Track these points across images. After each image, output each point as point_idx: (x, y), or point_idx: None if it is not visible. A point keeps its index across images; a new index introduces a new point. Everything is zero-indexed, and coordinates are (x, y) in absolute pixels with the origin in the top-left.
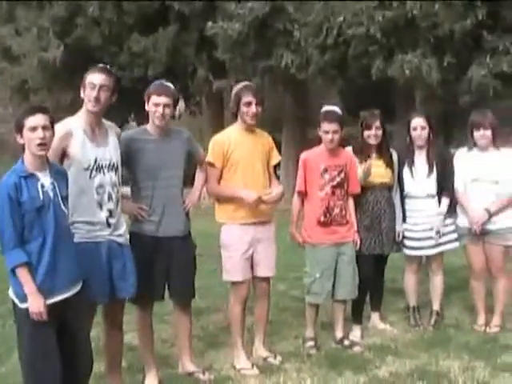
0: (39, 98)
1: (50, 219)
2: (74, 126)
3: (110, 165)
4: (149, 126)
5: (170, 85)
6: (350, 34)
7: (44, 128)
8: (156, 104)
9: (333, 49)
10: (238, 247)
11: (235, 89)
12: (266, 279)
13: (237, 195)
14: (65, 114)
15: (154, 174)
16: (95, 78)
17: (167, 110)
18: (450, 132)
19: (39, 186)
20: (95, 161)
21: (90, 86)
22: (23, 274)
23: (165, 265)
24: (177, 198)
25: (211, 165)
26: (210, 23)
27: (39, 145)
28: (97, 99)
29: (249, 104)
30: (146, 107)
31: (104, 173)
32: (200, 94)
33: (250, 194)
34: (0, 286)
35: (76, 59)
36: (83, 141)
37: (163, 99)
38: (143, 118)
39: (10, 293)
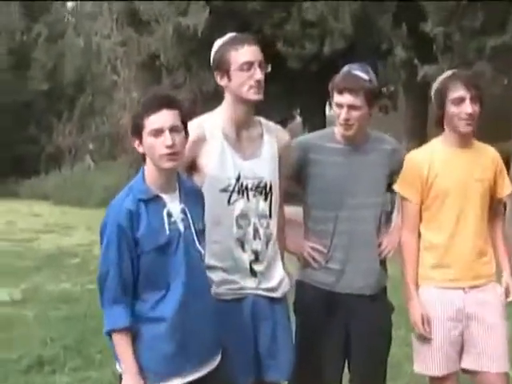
0: (173, 80)
1: (179, 263)
2: (210, 126)
3: (259, 186)
4: (336, 130)
5: (364, 75)
6: None
7: (173, 130)
8: (338, 104)
9: None
10: (437, 323)
11: (439, 79)
12: (493, 376)
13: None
14: (209, 105)
15: (337, 201)
16: (249, 52)
17: (355, 114)
18: None
19: (165, 215)
20: (238, 179)
21: (243, 67)
22: (121, 344)
23: (344, 335)
24: (369, 238)
25: (404, 198)
26: None
27: (168, 155)
28: (262, 81)
29: (459, 101)
30: (332, 104)
31: (249, 197)
32: (396, 83)
33: None
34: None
35: (225, 28)
36: (222, 149)
37: (347, 98)
38: (314, 111)
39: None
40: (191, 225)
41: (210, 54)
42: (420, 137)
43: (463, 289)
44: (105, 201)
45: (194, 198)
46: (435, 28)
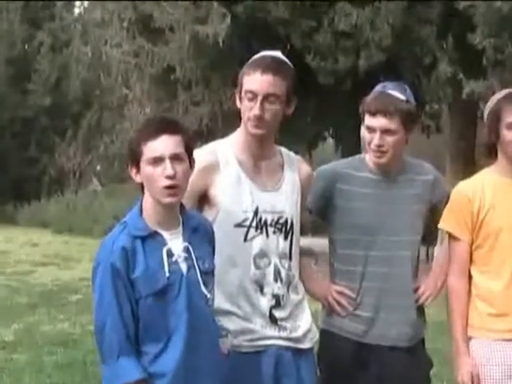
0: (191, 96)
1: (181, 310)
2: (224, 153)
3: (278, 222)
4: (368, 157)
5: (400, 95)
6: None
7: (174, 158)
8: (370, 128)
9: None
10: (497, 380)
11: (493, 100)
12: None
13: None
14: (232, 125)
15: (368, 239)
16: (257, 82)
17: (389, 139)
18: None
19: (164, 254)
20: (256, 213)
21: (247, 95)
22: None
23: None
24: (404, 282)
25: (452, 236)
26: None
27: (168, 187)
28: (259, 118)
29: None
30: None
31: (268, 234)
32: (440, 101)
33: None
34: None
35: (248, 38)
36: (238, 178)
37: (381, 121)
38: (348, 132)
39: None
40: (196, 265)
41: (230, 66)
42: (466, 162)
43: None
44: (112, 229)
45: (201, 234)
46: (484, 40)
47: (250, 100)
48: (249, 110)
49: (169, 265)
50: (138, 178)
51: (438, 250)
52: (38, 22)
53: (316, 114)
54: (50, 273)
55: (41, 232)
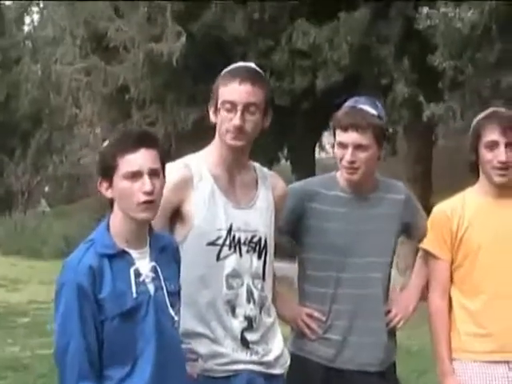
0: (145, 116)
1: (149, 332)
2: (198, 168)
3: (252, 241)
4: (339, 175)
5: (372, 110)
6: None
7: (152, 173)
8: (342, 144)
9: None
10: None
11: (476, 119)
12: None
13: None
14: (185, 147)
15: (339, 260)
16: (236, 92)
17: (361, 155)
18: None
19: (132, 274)
20: (229, 230)
21: (225, 106)
22: None
23: None
24: (376, 304)
25: (431, 255)
26: (423, 8)
27: (145, 203)
28: (240, 128)
29: (493, 146)
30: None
31: (241, 253)
32: (396, 124)
33: None
34: None
35: (204, 57)
36: (211, 194)
37: (353, 137)
38: (303, 153)
39: None
40: (163, 286)
41: (185, 86)
42: (423, 187)
43: (507, 363)
44: (62, 252)
45: (167, 254)
46: (445, 61)
47: (229, 111)
48: (228, 121)
49: (136, 285)
50: (108, 193)
51: (415, 268)
52: None
53: (271, 134)
54: None
55: None
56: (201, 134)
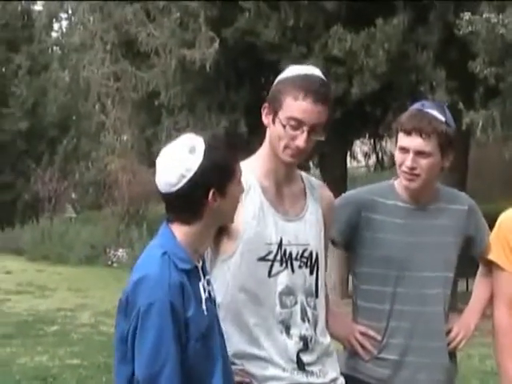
0: (174, 123)
1: (217, 352)
2: (246, 179)
3: (303, 256)
4: (397, 183)
5: (439, 115)
6: None
7: None
8: (403, 148)
9: None
10: None
11: None
12: None
13: None
14: None
15: (397, 274)
16: (307, 112)
17: (422, 162)
18: None
19: (202, 290)
20: (279, 245)
21: (290, 123)
22: None
23: None
24: (434, 322)
25: (497, 266)
26: (465, 13)
27: None
28: (302, 150)
29: None
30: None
31: (293, 268)
32: None
33: None
34: None
35: (236, 63)
36: (261, 208)
37: (416, 141)
38: (334, 162)
39: None
40: (215, 299)
41: (217, 92)
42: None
43: None
44: (88, 258)
45: (205, 265)
46: (485, 68)
47: (294, 128)
48: (290, 138)
49: (205, 301)
50: (214, 203)
51: (476, 285)
52: (15, 44)
53: None
54: (25, 302)
55: (14, 259)
56: (231, 141)
